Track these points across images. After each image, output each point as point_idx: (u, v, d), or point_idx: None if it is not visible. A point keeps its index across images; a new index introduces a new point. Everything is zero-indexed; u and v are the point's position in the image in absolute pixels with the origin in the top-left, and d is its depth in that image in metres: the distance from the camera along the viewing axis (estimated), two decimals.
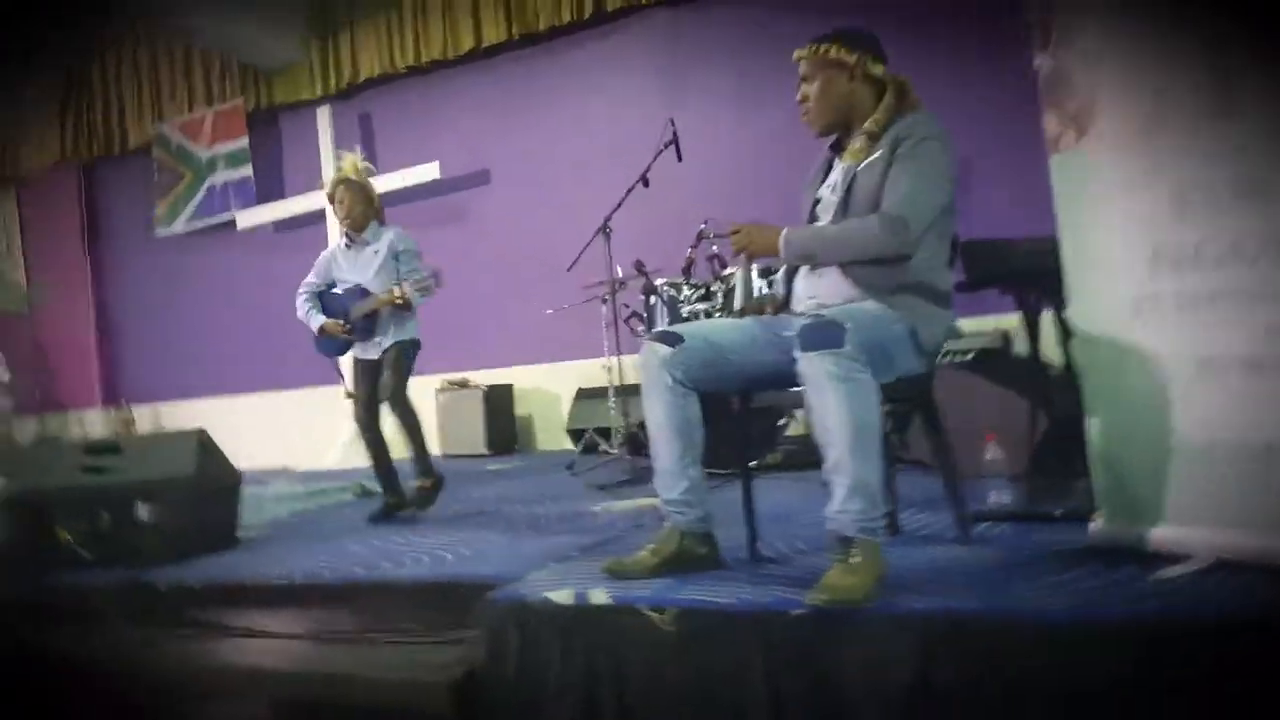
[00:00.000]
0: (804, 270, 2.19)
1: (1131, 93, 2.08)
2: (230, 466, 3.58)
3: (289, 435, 6.98)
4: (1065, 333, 2.64)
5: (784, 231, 2.12)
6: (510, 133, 6.59)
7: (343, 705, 2.13)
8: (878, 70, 2.17)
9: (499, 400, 6.26)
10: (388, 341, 3.53)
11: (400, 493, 3.60)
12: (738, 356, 2.11)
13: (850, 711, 1.68)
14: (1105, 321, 2.06)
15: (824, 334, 1.78)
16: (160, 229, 7.92)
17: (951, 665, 1.64)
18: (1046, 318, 2.74)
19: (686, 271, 4.25)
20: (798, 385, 2.11)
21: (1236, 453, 1.79)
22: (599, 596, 2.01)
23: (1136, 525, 1.98)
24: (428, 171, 6.45)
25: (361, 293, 3.53)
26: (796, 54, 2.22)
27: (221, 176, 7.55)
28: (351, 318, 3.53)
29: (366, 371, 3.61)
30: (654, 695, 1.85)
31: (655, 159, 4.30)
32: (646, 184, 4.29)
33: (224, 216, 7.55)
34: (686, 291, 4.20)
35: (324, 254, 3.77)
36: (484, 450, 6.07)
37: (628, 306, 4.66)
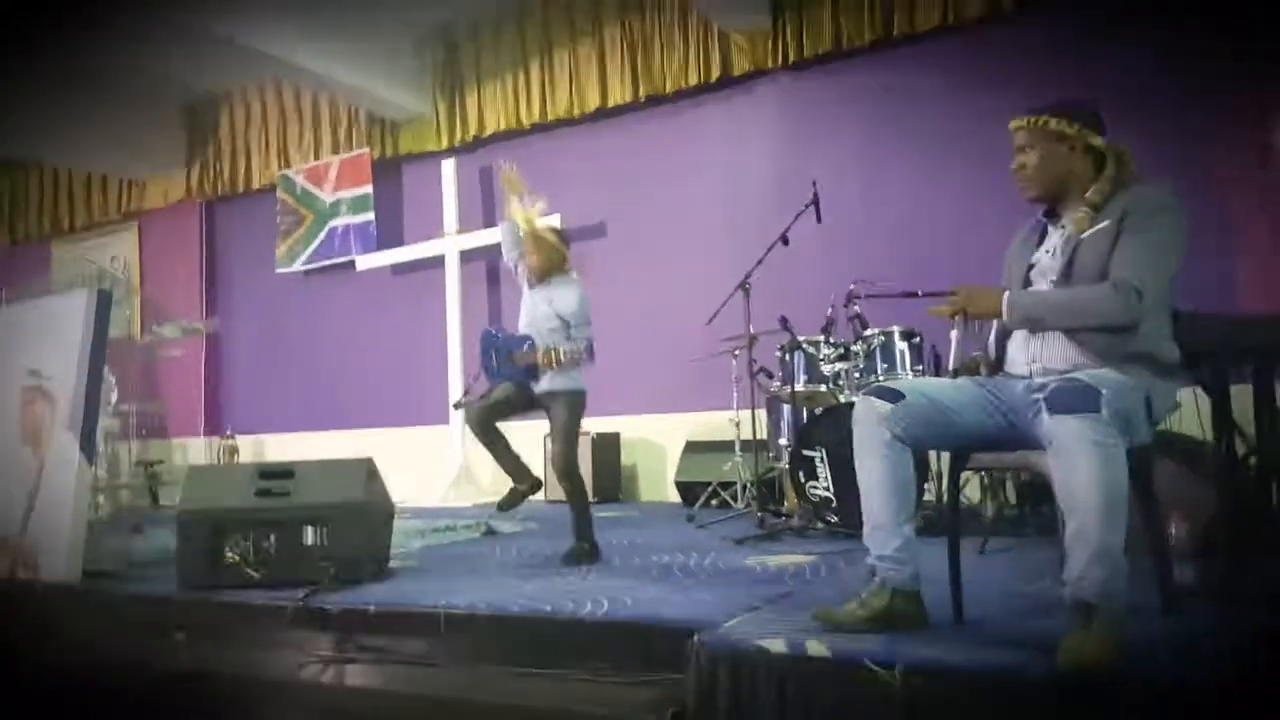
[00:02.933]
0: (1020, 334, 2.21)
1: None
2: (389, 496, 3.70)
3: (395, 472, 7.10)
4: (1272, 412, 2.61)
5: (1006, 294, 2.16)
6: (628, 187, 6.77)
7: None
8: (1097, 142, 2.22)
9: (607, 448, 6.32)
10: (549, 385, 3.65)
11: (530, 478, 3.76)
12: (959, 416, 2.12)
13: None
14: None
15: (1080, 398, 1.80)
16: (279, 268, 8.28)
17: None
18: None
19: (826, 330, 4.29)
20: (1019, 448, 2.14)
21: None
22: (816, 648, 2.01)
23: None
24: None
25: (530, 344, 3.66)
26: (1013, 124, 2.29)
27: (343, 220, 7.88)
28: (516, 362, 3.65)
29: (511, 390, 3.72)
30: None
31: (796, 219, 4.39)
32: (786, 243, 4.38)
33: (343, 258, 7.86)
34: (825, 350, 4.25)
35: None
36: (590, 498, 6.08)
37: (755, 361, 4.70)
